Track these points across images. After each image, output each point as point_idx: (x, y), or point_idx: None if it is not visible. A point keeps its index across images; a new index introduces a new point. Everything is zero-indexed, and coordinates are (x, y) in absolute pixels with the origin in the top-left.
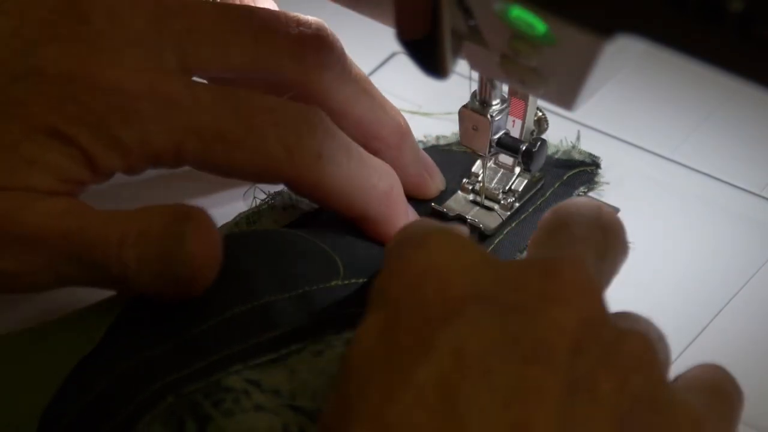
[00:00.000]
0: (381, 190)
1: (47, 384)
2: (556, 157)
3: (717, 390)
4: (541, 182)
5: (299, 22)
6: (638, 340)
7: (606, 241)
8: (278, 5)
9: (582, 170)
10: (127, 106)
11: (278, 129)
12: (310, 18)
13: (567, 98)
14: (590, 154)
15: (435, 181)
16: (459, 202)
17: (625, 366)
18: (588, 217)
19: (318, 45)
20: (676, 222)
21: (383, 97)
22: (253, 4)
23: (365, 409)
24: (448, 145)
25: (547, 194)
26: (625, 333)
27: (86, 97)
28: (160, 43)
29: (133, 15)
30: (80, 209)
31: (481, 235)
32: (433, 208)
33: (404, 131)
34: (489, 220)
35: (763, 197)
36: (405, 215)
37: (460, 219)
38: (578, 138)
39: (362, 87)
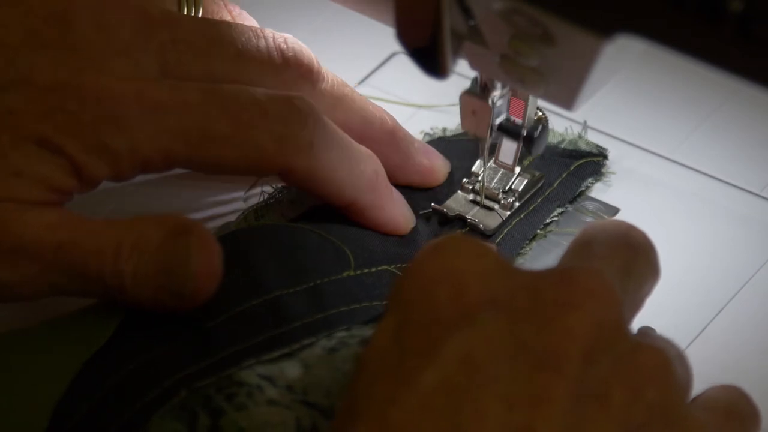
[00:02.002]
0: (367, 176)
1: (59, 378)
2: (562, 146)
3: (733, 411)
4: (542, 181)
5: (275, 37)
6: (654, 354)
7: (632, 259)
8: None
9: (589, 161)
10: (115, 113)
11: (267, 121)
12: (285, 34)
13: (567, 98)
14: (597, 146)
15: (438, 166)
16: (459, 202)
17: (638, 377)
18: (612, 235)
19: (294, 57)
20: (676, 222)
21: (365, 98)
22: (232, 21)
23: (370, 409)
24: (455, 135)
25: (555, 184)
26: (641, 345)
27: (75, 106)
28: (146, 52)
29: (119, 25)
30: (71, 220)
31: (482, 235)
32: (433, 208)
33: (392, 127)
34: (489, 220)
35: (763, 197)
36: (391, 199)
37: (460, 219)
38: (585, 128)
39: (342, 92)
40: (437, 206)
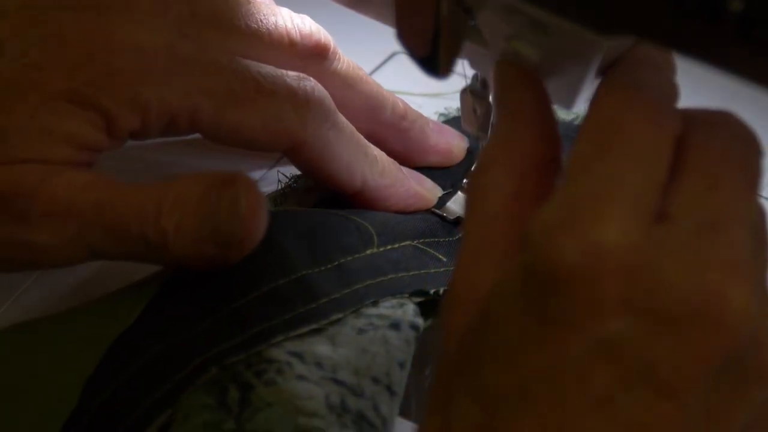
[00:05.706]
0: (373, 157)
1: (89, 356)
2: (576, 123)
3: None
4: None
5: (292, 16)
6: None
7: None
8: (279, 6)
9: None
10: (147, 64)
11: (288, 91)
12: (301, 15)
13: (567, 98)
14: None
15: (455, 144)
16: (459, 203)
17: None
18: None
19: (311, 36)
20: None
21: (377, 83)
22: None
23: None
24: None
25: None
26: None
27: (106, 57)
28: (165, 21)
29: None
30: (106, 181)
31: None
32: (432, 212)
33: (403, 110)
34: None
35: (763, 197)
36: (403, 175)
37: (461, 222)
38: None
39: (357, 74)
40: (437, 211)
